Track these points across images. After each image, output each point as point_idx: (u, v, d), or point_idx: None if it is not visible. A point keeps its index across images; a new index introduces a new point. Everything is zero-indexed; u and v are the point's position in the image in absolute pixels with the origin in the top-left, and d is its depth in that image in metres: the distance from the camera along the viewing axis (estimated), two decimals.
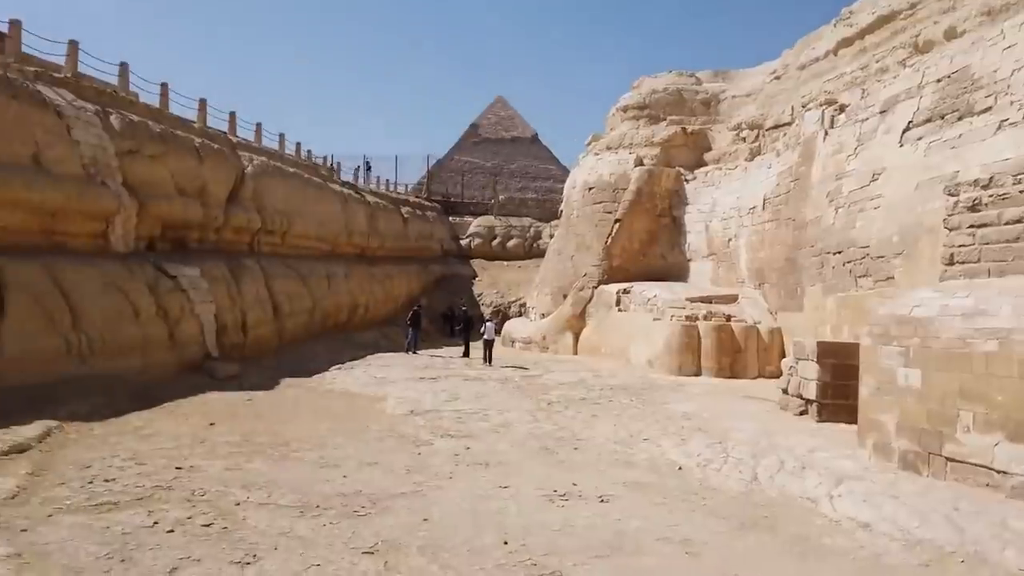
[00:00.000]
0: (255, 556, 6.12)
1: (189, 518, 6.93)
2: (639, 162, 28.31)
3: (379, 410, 14.14)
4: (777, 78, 26.52)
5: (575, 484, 9.26)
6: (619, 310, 26.18)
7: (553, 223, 43.98)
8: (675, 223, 27.91)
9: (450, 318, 37.96)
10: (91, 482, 7.88)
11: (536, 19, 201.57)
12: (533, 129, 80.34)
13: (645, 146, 28.81)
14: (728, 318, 21.95)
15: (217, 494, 7.81)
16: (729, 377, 20.73)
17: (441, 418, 13.52)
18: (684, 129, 28.55)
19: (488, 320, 24.39)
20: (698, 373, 21.43)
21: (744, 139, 26.74)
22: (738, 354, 21.25)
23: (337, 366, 20.39)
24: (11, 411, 10.76)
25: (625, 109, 30.50)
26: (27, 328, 13.05)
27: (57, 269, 14.35)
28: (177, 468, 8.74)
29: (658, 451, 11.51)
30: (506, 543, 6.83)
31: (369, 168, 47.61)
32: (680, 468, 10.58)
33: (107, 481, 7.97)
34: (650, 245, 28.13)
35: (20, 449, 8.67)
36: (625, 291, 26.35)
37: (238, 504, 7.52)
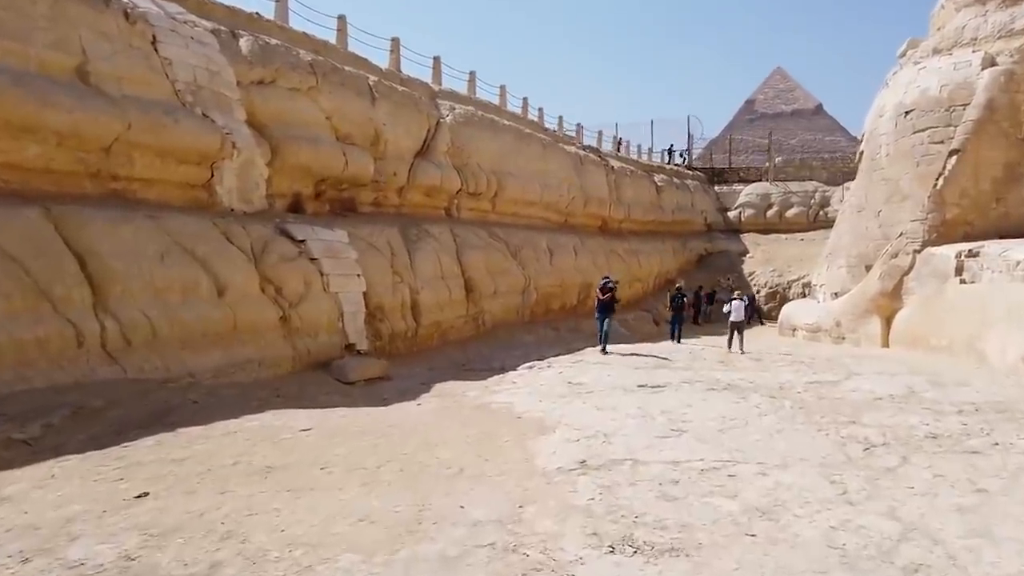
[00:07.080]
0: None
1: None
2: (989, 62, 18.18)
3: (520, 459, 7.16)
4: None
5: None
6: (961, 281, 16.77)
7: (846, 185, 33.94)
8: None
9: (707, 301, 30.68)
10: None
11: None
12: (817, 99, 69.14)
13: (999, 38, 18.48)
14: None
15: None
16: None
17: (634, 482, 6.32)
18: None
19: (735, 296, 16.88)
20: None
21: None
22: None
23: (529, 364, 13.84)
24: None
25: None
26: None
27: (72, 223, 9.42)
28: None
29: None
30: None
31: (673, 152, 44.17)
32: None
33: None
34: (1009, 184, 17.97)
35: None
36: (971, 253, 16.82)
37: None
